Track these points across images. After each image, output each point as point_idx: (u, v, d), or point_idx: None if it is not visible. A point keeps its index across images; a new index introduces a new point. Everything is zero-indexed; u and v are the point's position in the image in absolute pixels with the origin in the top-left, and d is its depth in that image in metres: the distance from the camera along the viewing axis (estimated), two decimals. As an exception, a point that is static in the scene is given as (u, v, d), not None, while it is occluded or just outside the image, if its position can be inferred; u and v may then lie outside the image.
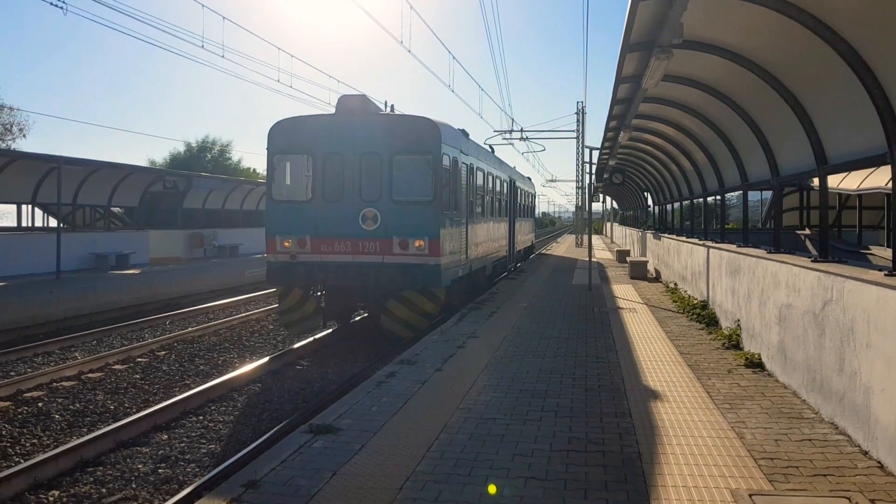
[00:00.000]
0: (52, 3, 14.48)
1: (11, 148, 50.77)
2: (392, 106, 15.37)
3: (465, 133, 16.35)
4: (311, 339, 14.20)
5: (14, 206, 26.19)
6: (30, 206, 26.41)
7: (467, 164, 15.69)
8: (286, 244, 13.33)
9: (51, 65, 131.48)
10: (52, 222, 28.43)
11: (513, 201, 24.74)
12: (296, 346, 13.69)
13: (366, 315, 16.04)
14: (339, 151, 13.39)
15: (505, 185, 22.83)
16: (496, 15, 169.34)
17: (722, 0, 7.38)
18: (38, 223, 28.48)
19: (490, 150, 22.68)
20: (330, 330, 15.05)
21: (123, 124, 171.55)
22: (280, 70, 72.98)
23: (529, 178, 33.57)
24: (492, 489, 5.29)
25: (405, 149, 13.33)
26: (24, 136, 57.09)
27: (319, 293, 14.04)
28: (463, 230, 15.11)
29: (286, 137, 13.80)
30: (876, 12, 6.25)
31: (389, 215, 13.03)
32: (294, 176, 14.15)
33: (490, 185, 19.61)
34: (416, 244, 12.86)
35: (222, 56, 35.27)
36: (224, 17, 18.50)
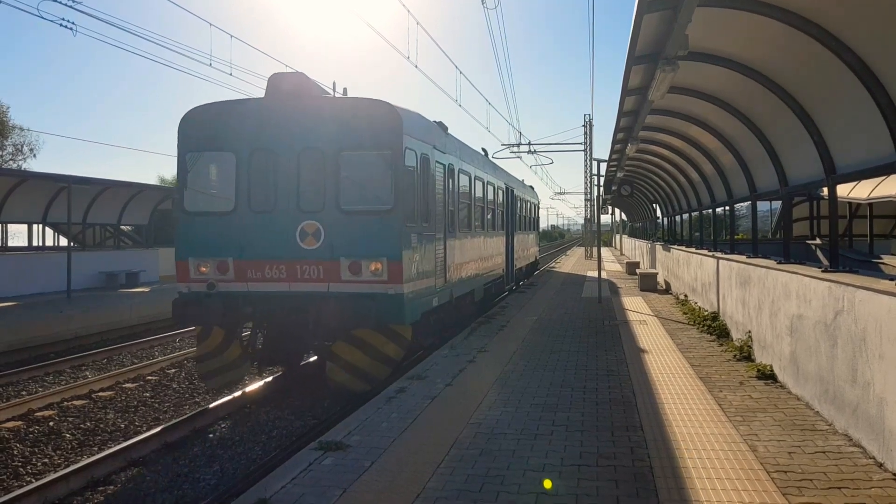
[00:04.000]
0: (61, 24, 14.68)
1: (22, 168, 51.34)
2: (345, 89, 12.30)
3: (442, 126, 13.50)
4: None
5: (25, 226, 26.44)
6: (40, 226, 26.66)
7: (445, 165, 12.96)
8: (202, 269, 10.64)
9: (60, 85, 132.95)
10: (63, 241, 28.68)
11: (511, 212, 22.29)
12: (306, 362, 13.55)
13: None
14: (270, 147, 10.66)
15: (500, 192, 20.23)
16: (502, 28, 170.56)
17: (727, 11, 7.38)
18: (49, 242, 28.73)
19: (483, 153, 19.89)
20: (270, 378, 12.34)
21: (133, 142, 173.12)
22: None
23: (532, 187, 30.98)
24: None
25: (356, 142, 10.45)
26: (34, 155, 57.82)
27: (249, 331, 11.76)
28: (438, 247, 12.36)
29: (202, 130, 10.96)
30: (882, 21, 6.24)
31: (336, 230, 10.30)
32: (212, 180, 11.35)
33: (480, 192, 16.86)
34: (372, 267, 10.15)
35: (230, 74, 35.46)
36: (232, 36, 18.67)
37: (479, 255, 16.53)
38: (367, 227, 10.30)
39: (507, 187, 21.45)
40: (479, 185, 16.59)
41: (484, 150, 20.24)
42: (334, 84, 12.52)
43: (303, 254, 10.34)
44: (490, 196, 18.30)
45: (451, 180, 13.45)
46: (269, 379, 12.20)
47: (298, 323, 10.83)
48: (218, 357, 10.91)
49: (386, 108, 10.53)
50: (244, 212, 10.67)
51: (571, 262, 43.44)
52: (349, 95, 11.93)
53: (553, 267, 39.54)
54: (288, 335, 11.40)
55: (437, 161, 12.29)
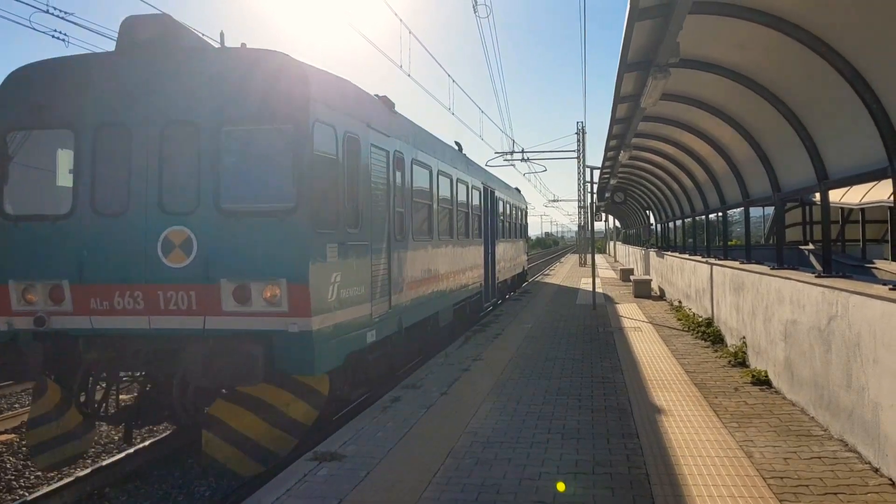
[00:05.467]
0: (53, 36, 14.69)
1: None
2: (243, 44, 8.21)
3: (386, 102, 10.45)
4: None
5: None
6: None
7: (389, 152, 9.93)
8: (29, 297, 7.61)
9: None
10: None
11: (491, 217, 19.36)
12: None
13: None
14: (121, 121, 7.59)
15: (476, 193, 17.11)
16: (494, 37, 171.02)
17: (718, 19, 7.43)
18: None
19: (457, 147, 16.52)
20: (147, 443, 9.21)
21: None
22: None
23: (518, 190, 27.79)
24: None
25: (244, 113, 7.40)
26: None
27: (98, 383, 8.34)
28: (377, 261, 9.24)
29: (29, 99, 7.85)
30: (871, 27, 6.29)
31: (215, 239, 7.30)
32: (42, 170, 8.19)
33: (447, 191, 13.91)
34: (267, 293, 7.17)
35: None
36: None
37: (445, 268, 13.60)
38: (259, 234, 7.29)
39: (485, 187, 18.40)
40: (444, 182, 13.68)
41: (458, 143, 17.06)
42: (222, 34, 8.78)
43: (167, 274, 7.30)
44: (462, 197, 15.45)
45: (398, 172, 10.40)
46: (147, 444, 9.17)
47: (161, 374, 7.86)
48: (54, 423, 7.75)
49: (284, 62, 7.55)
50: (86, 214, 7.60)
51: (566, 270, 43.46)
52: (240, 47, 8.11)
53: (547, 274, 39.56)
54: (159, 389, 8.16)
55: (374, 145, 9.25)
